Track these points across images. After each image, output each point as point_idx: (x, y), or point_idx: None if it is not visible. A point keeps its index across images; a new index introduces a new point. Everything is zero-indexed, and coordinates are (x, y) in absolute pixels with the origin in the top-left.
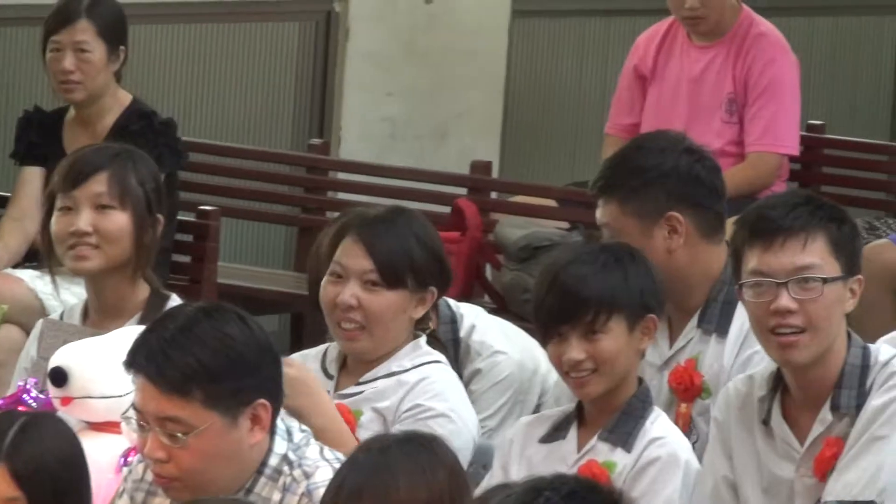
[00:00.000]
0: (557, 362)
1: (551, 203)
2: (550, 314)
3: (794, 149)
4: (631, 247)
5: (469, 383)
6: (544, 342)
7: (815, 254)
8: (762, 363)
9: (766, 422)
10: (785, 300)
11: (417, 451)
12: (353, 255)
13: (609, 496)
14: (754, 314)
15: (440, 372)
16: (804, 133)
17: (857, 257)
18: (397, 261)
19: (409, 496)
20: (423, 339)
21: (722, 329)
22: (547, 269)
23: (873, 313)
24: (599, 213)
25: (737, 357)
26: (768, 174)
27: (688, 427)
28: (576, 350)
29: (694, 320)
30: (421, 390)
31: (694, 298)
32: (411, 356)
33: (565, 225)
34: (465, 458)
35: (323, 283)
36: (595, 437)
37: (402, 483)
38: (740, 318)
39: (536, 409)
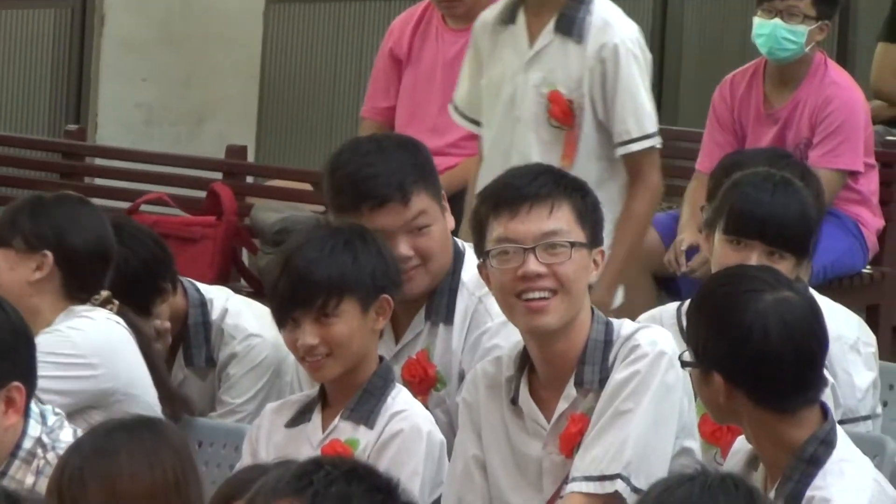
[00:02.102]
0: (293, 347)
1: (307, 187)
2: (283, 299)
3: None
4: (363, 228)
5: (225, 367)
6: (280, 327)
7: (561, 220)
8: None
9: (514, 401)
10: (533, 265)
11: (141, 433)
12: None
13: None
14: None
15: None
16: None
17: (599, 229)
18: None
19: (132, 478)
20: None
21: (449, 317)
22: (280, 253)
23: (633, 294)
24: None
25: (465, 340)
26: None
27: None
28: (309, 335)
29: (421, 313)
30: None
31: (419, 301)
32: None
33: (321, 209)
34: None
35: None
36: (338, 417)
37: (125, 465)
38: (464, 302)
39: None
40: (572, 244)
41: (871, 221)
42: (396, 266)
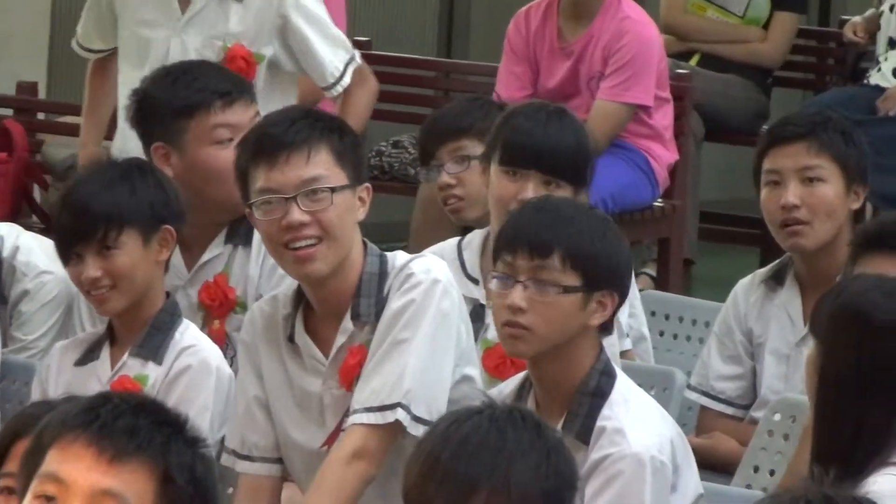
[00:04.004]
0: (77, 282)
1: None
2: (64, 234)
3: None
4: (142, 161)
5: (17, 304)
6: (64, 263)
7: (320, 165)
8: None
9: (291, 338)
10: (296, 214)
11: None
12: None
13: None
14: (267, 232)
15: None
16: None
17: (362, 166)
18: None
19: None
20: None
21: (248, 240)
22: (63, 189)
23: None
24: None
25: (262, 266)
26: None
27: (224, 342)
28: (91, 268)
29: (222, 236)
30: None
31: (220, 216)
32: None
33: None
34: None
35: None
36: (126, 354)
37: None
38: None
39: None
40: (333, 189)
41: (663, 155)
42: (178, 196)
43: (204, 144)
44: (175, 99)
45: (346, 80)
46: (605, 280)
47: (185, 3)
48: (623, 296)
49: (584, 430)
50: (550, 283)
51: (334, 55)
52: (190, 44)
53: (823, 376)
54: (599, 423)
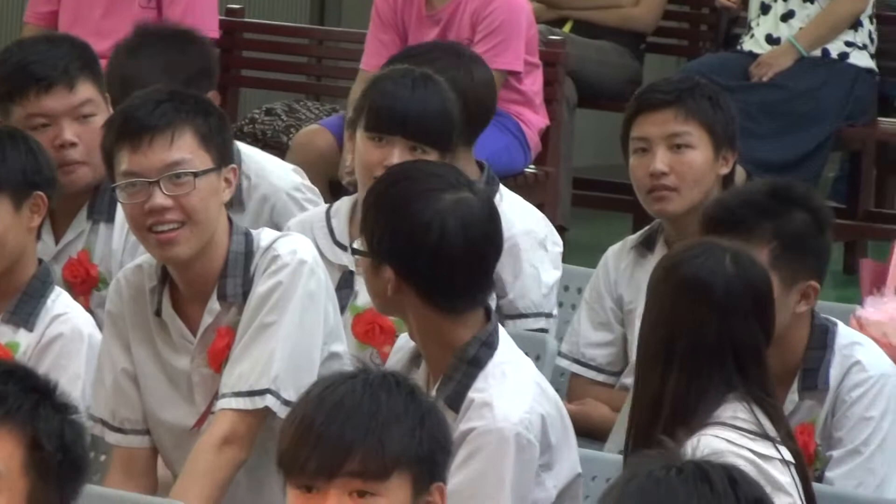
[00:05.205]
0: None
1: None
2: None
3: (214, 31)
4: (14, 129)
5: None
6: None
7: (183, 149)
8: None
9: (158, 313)
10: (159, 198)
11: None
12: None
13: (45, 378)
14: (130, 215)
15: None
16: (223, 17)
17: (228, 148)
18: None
19: None
20: None
21: (111, 215)
22: None
23: None
24: None
25: (126, 240)
26: None
27: None
28: None
29: (83, 212)
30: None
31: (81, 199)
32: None
33: None
34: None
35: None
36: None
37: None
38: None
39: None
40: (196, 174)
41: (534, 120)
42: (50, 163)
43: (27, 128)
44: (1, 83)
45: None
46: None
47: None
48: None
49: (456, 396)
50: None
51: None
52: None
53: (641, 337)
54: (471, 394)
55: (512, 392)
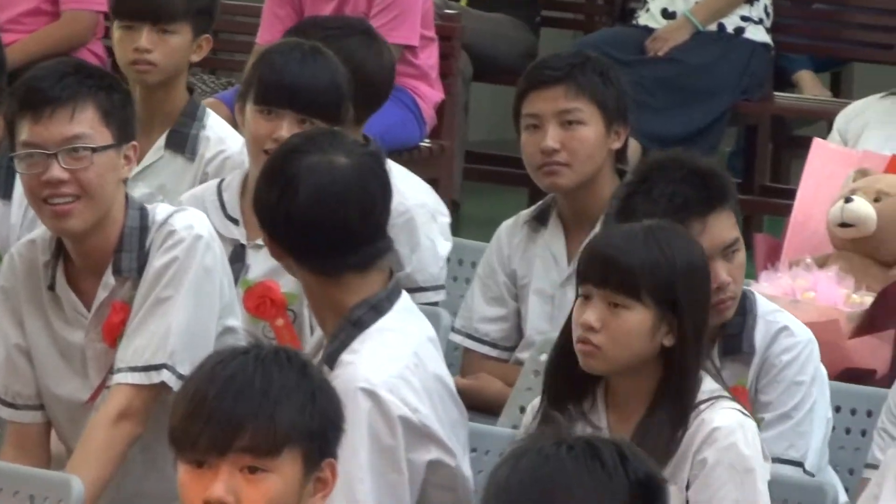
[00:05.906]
0: None
1: None
2: None
3: (103, 5)
4: None
5: None
6: None
7: (84, 123)
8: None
9: (52, 287)
10: (56, 171)
11: None
12: None
13: None
14: (28, 186)
15: None
16: None
17: (130, 125)
18: None
19: None
20: None
21: (7, 191)
22: None
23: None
24: None
25: (24, 215)
26: (84, 32)
27: None
28: None
29: None
30: None
31: None
32: None
33: None
34: None
35: None
36: None
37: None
38: None
39: None
40: (94, 149)
41: (430, 94)
42: None
43: None
44: None
45: None
46: None
47: None
48: None
49: (333, 355)
50: None
51: None
52: None
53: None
54: (344, 354)
55: (383, 356)
